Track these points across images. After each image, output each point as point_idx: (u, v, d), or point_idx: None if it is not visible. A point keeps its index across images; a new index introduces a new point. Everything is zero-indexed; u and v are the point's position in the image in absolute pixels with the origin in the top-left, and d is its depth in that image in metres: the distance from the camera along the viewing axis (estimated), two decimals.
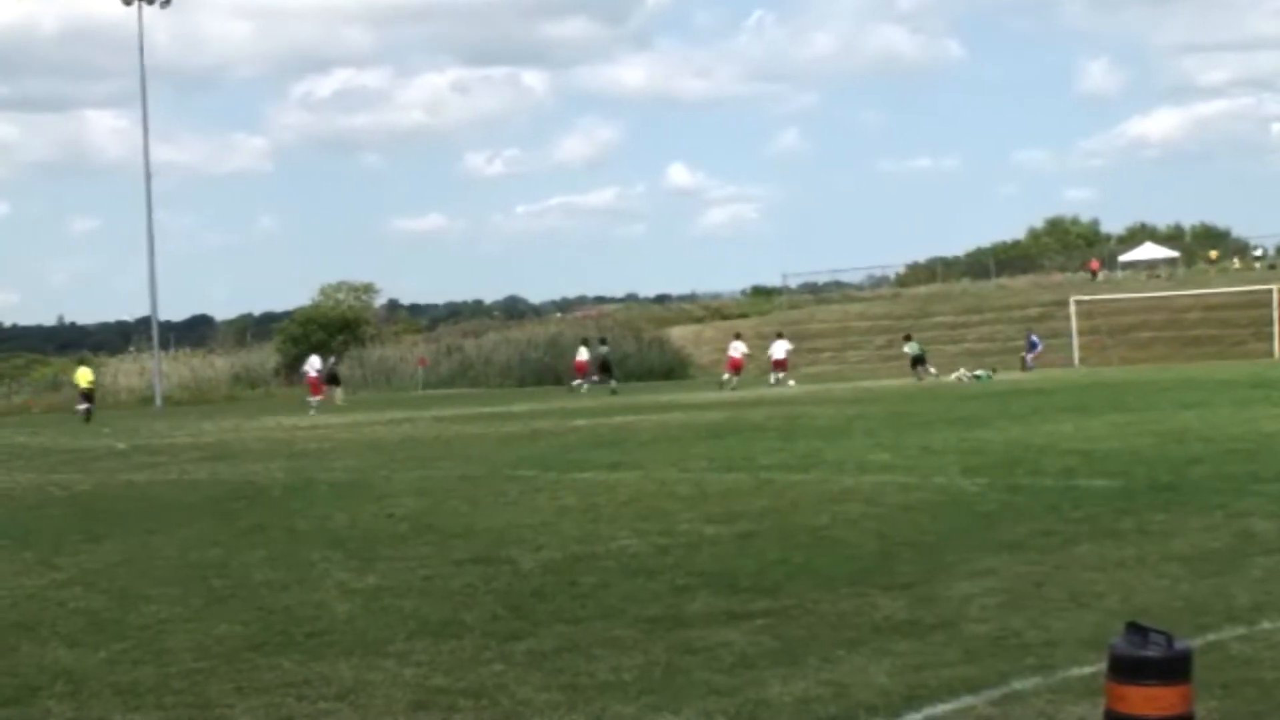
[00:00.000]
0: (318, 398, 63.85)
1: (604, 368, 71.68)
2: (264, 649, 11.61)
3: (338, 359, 74.15)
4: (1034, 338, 76.36)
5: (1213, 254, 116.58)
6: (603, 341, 75.28)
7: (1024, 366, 73.39)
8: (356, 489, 24.70)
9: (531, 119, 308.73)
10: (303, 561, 16.44)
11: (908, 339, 73.22)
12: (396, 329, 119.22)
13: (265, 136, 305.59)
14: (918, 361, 69.70)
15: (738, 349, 69.33)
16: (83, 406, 64.39)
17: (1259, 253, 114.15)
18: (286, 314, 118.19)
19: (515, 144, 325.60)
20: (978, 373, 66.54)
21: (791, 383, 66.61)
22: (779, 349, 69.20)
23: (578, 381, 72.38)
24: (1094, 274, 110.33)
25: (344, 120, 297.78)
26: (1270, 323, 74.52)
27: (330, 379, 70.63)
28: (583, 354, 74.08)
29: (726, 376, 68.43)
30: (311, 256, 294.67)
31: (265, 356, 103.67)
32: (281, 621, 12.73)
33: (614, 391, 66.75)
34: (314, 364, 66.03)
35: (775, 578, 13.74)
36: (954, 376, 66.18)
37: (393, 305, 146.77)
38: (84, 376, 67.24)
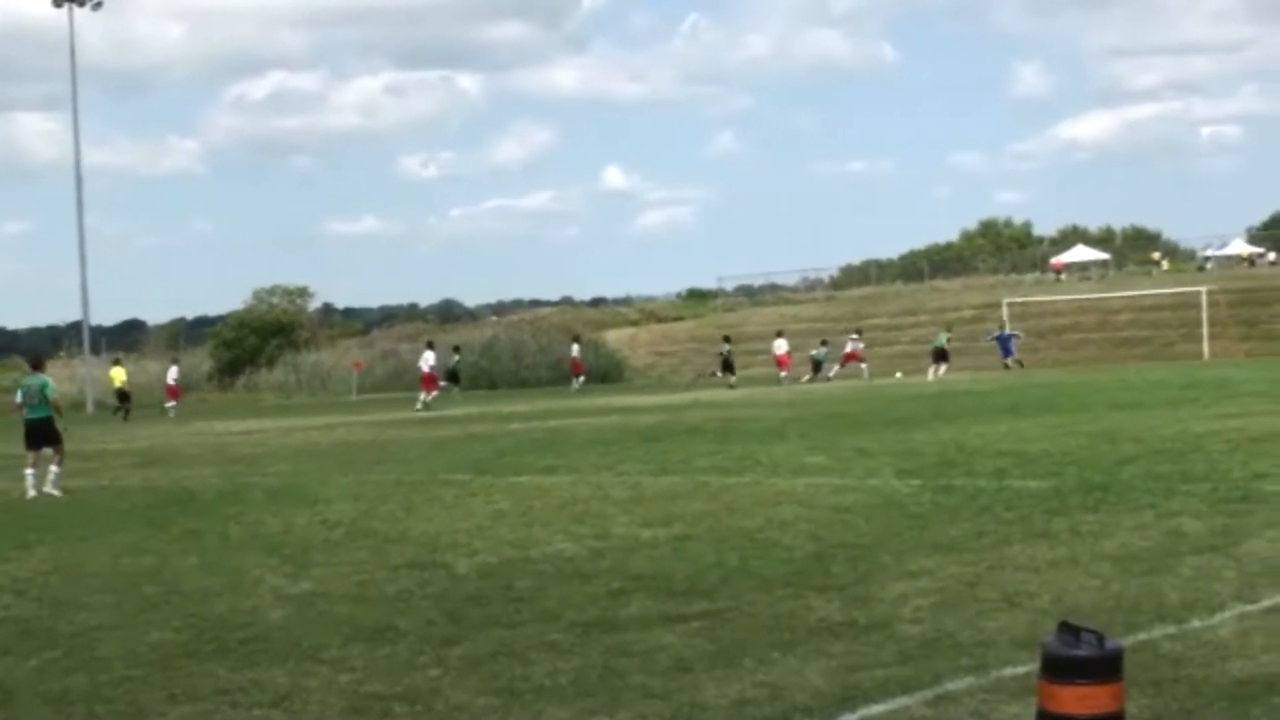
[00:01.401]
0: (432, 393, 63.00)
1: (452, 376, 70.75)
2: (197, 656, 11.55)
3: (459, 356, 74.53)
4: (1000, 334, 74.71)
5: (1155, 255, 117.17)
6: (456, 350, 75.21)
7: (1007, 367, 71.77)
8: (291, 494, 24.61)
9: (466, 122, 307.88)
10: (236, 568, 16.37)
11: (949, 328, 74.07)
12: (331, 333, 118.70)
13: (198, 139, 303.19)
14: (940, 356, 70.00)
15: (781, 346, 70.94)
16: (120, 407, 68.89)
17: (1206, 253, 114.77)
18: (220, 318, 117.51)
19: (450, 147, 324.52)
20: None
21: (806, 378, 68.22)
22: (780, 347, 70.74)
23: (581, 378, 73.55)
24: (1058, 274, 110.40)
25: (278, 123, 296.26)
26: (1200, 324, 74.99)
27: (450, 376, 70.82)
28: (574, 350, 74.40)
29: (784, 375, 71.36)
30: (245, 260, 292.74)
31: (198, 361, 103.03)
32: (215, 628, 12.67)
33: (454, 402, 66.02)
34: (428, 359, 65.20)
35: (711, 580, 13.76)
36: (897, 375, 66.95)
37: (327, 309, 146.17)
38: (117, 376, 71.21)
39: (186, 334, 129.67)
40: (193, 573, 16.19)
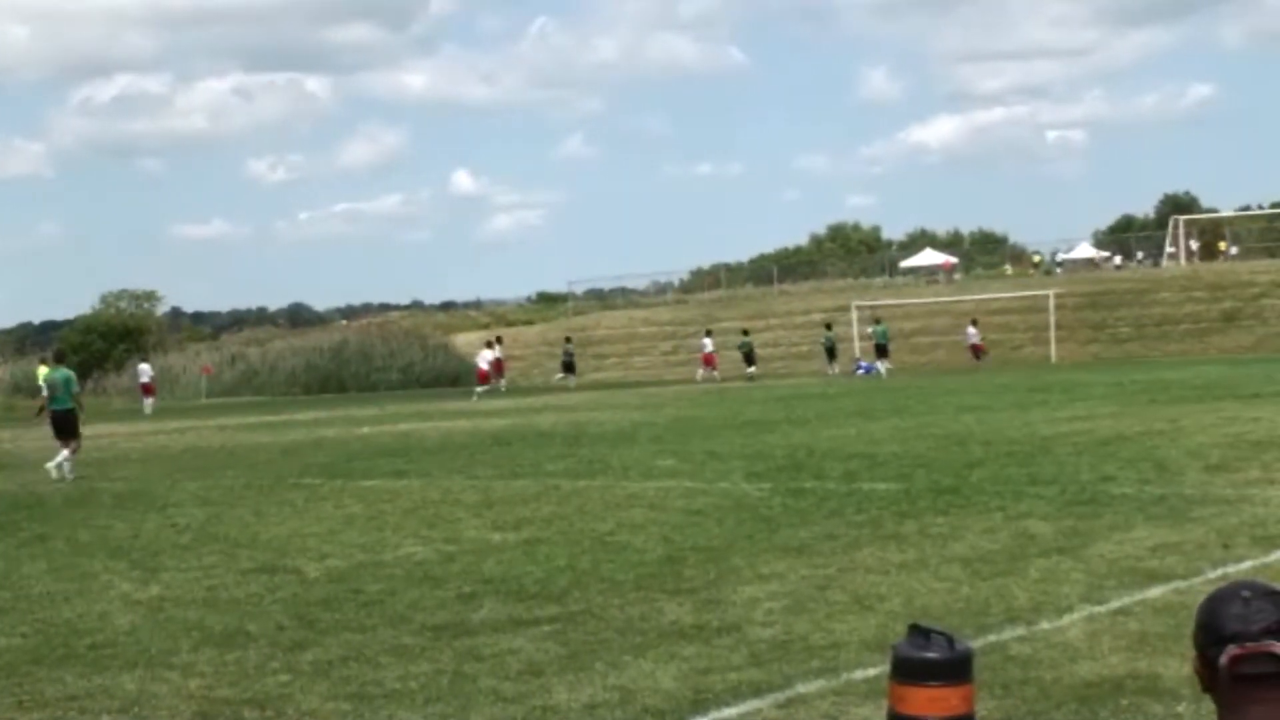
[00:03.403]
0: (484, 386, 66.33)
1: (568, 367, 73.50)
2: (45, 662, 11.42)
3: (571, 347, 74.68)
4: (866, 365, 73.85)
5: (1007, 268, 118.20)
6: (568, 340, 77.17)
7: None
8: (139, 499, 24.36)
9: (314, 125, 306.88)
10: (84, 573, 16.20)
11: (878, 321, 74.10)
12: (179, 337, 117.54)
13: (45, 142, 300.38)
14: (880, 351, 70.49)
15: (708, 345, 71.58)
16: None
17: (1037, 259, 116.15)
18: (67, 322, 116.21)
19: (298, 150, 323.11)
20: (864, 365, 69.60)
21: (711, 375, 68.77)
22: (707, 345, 71.49)
23: (563, 376, 73.57)
24: (949, 273, 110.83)
25: (125, 125, 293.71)
26: (1048, 327, 75.72)
27: (566, 367, 73.75)
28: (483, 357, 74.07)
29: (702, 373, 70.93)
30: (93, 264, 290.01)
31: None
32: (63, 634, 12.53)
33: (568, 390, 68.27)
34: (485, 356, 68.91)
35: (562, 584, 13.76)
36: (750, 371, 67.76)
37: (175, 313, 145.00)
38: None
39: (33, 338, 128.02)
40: (40, 578, 16.00)
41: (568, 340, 75.29)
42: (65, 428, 29.39)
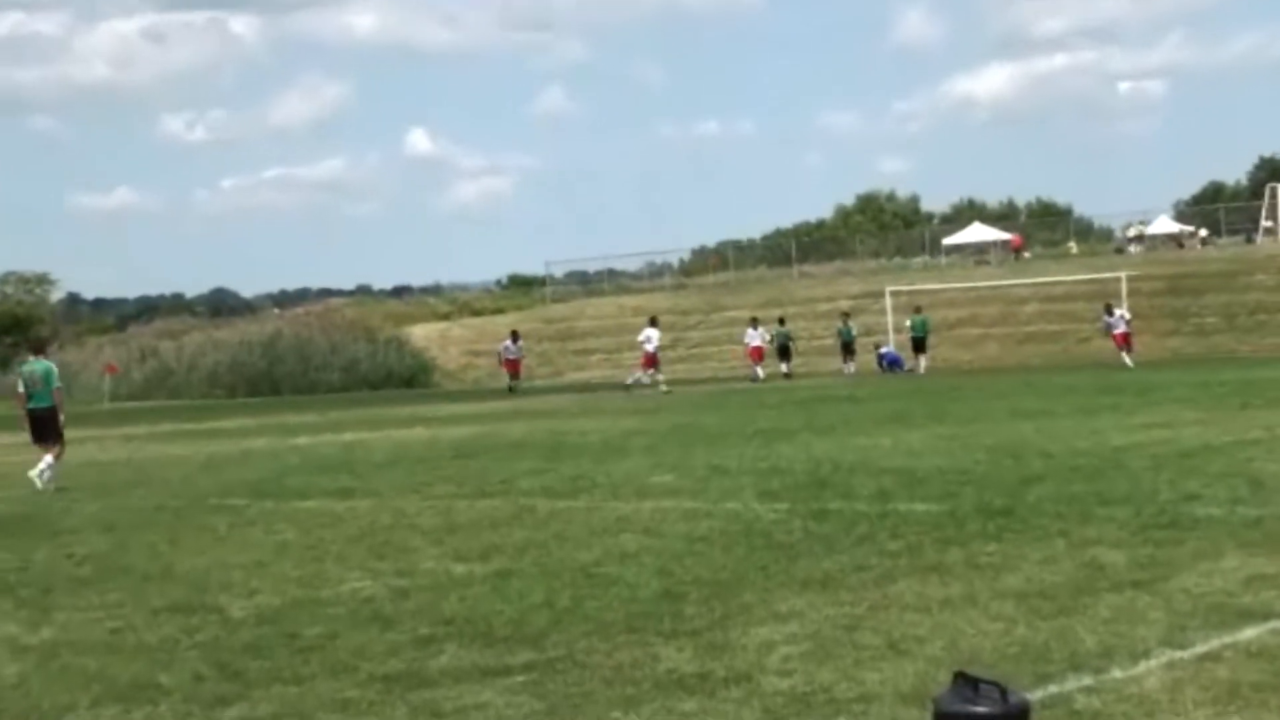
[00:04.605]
0: (649, 372, 67.90)
1: (784, 352, 74.72)
2: None
3: (787, 330, 75.38)
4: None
5: (1072, 247, 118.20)
6: (781, 322, 77.79)
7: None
8: (28, 524, 24.38)
9: (241, 75, 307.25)
10: None
11: (917, 310, 74.22)
12: (77, 329, 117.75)
13: None
14: (918, 345, 70.90)
15: (754, 337, 71.49)
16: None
17: (1129, 232, 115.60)
18: None
19: (221, 105, 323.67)
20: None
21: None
22: (753, 338, 71.89)
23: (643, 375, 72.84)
24: (1017, 253, 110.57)
25: (12, 75, 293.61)
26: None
27: (783, 352, 74.59)
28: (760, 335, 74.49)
29: (758, 370, 71.13)
30: None
31: None
32: None
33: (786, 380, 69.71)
34: (510, 349, 72.85)
35: (538, 625, 13.76)
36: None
37: (73, 300, 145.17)
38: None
39: None
40: None
41: (514, 337, 74.86)
42: (47, 429, 30.28)
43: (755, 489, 23.57)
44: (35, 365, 31.29)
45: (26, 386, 30.86)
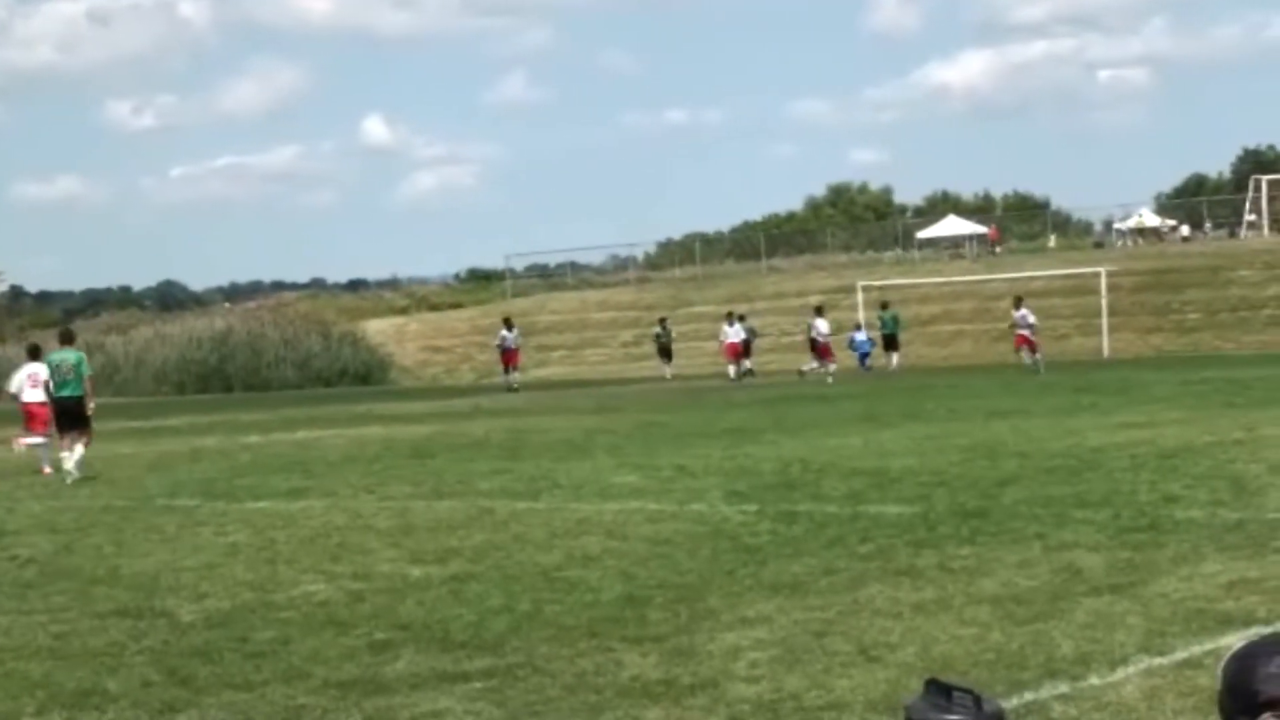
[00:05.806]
0: (515, 374, 71.07)
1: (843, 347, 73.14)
2: None
3: (752, 325, 74.59)
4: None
5: (1051, 241, 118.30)
6: (818, 310, 75.54)
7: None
8: None
9: (191, 59, 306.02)
10: None
11: (885, 306, 73.70)
12: (20, 323, 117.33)
13: None
14: (889, 343, 70.65)
15: (732, 334, 70.55)
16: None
17: (1118, 225, 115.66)
18: None
19: (170, 90, 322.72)
20: None
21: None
22: (821, 327, 70.41)
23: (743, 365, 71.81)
24: (992, 246, 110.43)
25: None
26: (1099, 313, 75.60)
27: (746, 349, 72.64)
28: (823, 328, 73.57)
29: (813, 366, 67.72)
30: None
31: None
32: None
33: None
34: (508, 339, 71.49)
35: (497, 630, 13.78)
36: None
37: (15, 293, 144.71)
38: None
39: None
40: None
41: (509, 324, 74.36)
42: (75, 418, 31.38)
43: (722, 490, 23.59)
44: (66, 354, 32.33)
45: (54, 375, 31.86)
